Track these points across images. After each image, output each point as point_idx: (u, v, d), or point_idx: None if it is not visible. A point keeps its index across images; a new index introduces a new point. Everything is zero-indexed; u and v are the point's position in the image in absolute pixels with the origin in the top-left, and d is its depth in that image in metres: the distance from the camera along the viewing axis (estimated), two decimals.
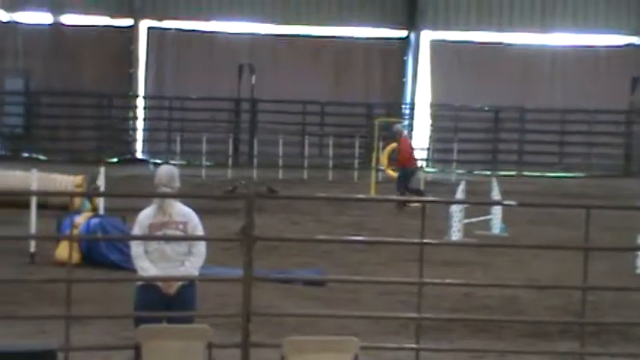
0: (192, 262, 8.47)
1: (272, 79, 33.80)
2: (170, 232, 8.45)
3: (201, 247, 8.52)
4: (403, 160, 23.23)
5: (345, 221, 20.19)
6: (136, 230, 8.57)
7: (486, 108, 34.60)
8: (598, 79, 34.55)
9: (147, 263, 8.41)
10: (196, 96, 33.27)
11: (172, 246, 8.45)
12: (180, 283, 8.39)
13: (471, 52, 35.00)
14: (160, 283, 8.34)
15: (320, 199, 22.87)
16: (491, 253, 16.17)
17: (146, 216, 8.52)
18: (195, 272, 8.48)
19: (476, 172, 32.00)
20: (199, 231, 8.58)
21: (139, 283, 8.53)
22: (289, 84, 33.74)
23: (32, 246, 14.49)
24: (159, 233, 8.46)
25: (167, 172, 8.63)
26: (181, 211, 8.52)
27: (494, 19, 35.18)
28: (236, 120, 33.98)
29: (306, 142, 31.21)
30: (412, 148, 24.44)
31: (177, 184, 8.60)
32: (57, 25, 33.70)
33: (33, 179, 16.05)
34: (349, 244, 16.17)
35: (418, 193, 23.28)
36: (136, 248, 8.49)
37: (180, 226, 8.48)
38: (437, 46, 35.33)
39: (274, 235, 15.92)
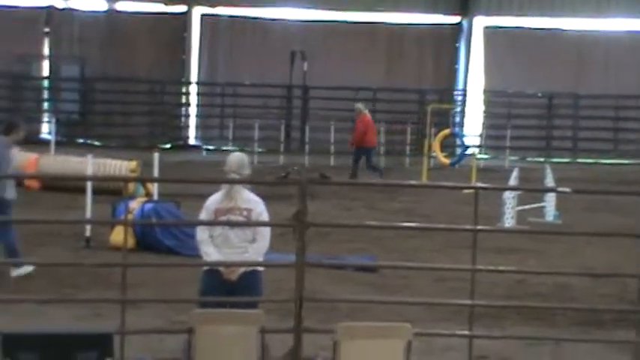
0: (255, 248, 8.60)
1: (324, 65, 33.78)
2: (234, 218, 8.58)
3: (265, 234, 8.63)
4: (359, 139, 24.60)
5: (396, 208, 20.17)
6: (203, 215, 8.75)
7: (540, 94, 34.28)
8: None
9: (211, 248, 8.55)
10: (249, 82, 33.40)
11: (236, 232, 8.58)
12: (242, 270, 8.48)
13: (524, 38, 34.65)
14: (221, 269, 8.43)
15: (372, 186, 22.86)
16: (545, 241, 16.05)
17: (213, 201, 8.68)
18: (258, 259, 8.54)
19: (529, 159, 31.77)
20: (264, 218, 8.68)
21: (204, 267, 8.65)
22: (341, 70, 33.70)
23: (88, 230, 14.68)
24: (223, 219, 8.58)
25: (237, 159, 8.80)
26: (247, 197, 8.64)
27: (548, 4, 34.77)
28: (288, 106, 34.06)
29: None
30: (371, 127, 25.27)
31: (246, 171, 8.74)
32: (112, 12, 34.03)
33: (88, 165, 16.27)
34: (401, 231, 16.14)
35: (375, 169, 24.63)
36: (201, 233, 8.66)
37: (245, 213, 8.61)
38: (490, 32, 35.04)
39: (326, 221, 15.95)
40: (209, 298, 8.37)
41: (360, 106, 25.82)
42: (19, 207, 17.90)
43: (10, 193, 12.54)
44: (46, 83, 34.67)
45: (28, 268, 12.51)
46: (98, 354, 6.67)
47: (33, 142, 29.78)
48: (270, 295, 11.68)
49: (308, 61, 32.66)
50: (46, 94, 34.75)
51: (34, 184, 20.43)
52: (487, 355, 9.62)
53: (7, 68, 32.91)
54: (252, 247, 8.59)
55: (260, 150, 29.58)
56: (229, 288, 8.45)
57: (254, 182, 24.46)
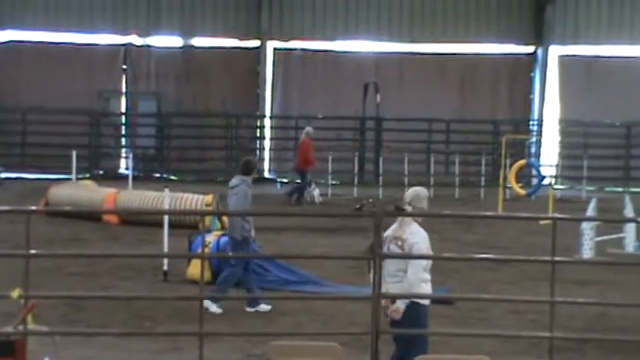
0: (408, 279, 8.80)
1: (397, 97, 33.79)
2: (392, 246, 8.93)
3: (413, 264, 8.82)
4: (302, 162, 26.20)
5: (472, 239, 20.00)
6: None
7: (617, 123, 33.77)
8: None
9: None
10: (322, 115, 33.54)
11: (392, 262, 8.91)
12: (403, 307, 8.74)
13: (600, 67, 34.22)
14: (385, 305, 8.67)
15: (447, 217, 22.70)
16: (625, 272, 15.73)
17: (390, 229, 9.08)
18: (412, 289, 8.73)
19: (607, 189, 31.26)
20: (415, 250, 8.88)
21: None
22: (414, 102, 33.66)
23: (165, 264, 14.84)
24: (384, 247, 8.82)
25: (413, 191, 9.26)
26: (410, 229, 8.96)
27: (625, 32, 34.31)
28: (361, 138, 34.09)
29: (432, 159, 31.07)
30: (307, 151, 26.45)
31: (420, 204, 9.13)
32: (187, 48, 34.57)
33: (165, 199, 16.49)
34: (476, 263, 16.01)
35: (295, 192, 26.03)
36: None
37: (399, 243, 8.94)
38: (565, 61, 34.69)
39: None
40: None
41: (309, 129, 27.38)
42: (98, 242, 18.29)
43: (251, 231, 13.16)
44: (123, 119, 35.30)
45: (266, 307, 12.90)
46: None
47: (111, 177, 30.44)
48: (347, 327, 11.68)
49: (381, 92, 32.71)
50: (123, 130, 35.38)
51: (113, 219, 20.75)
52: None
53: (88, 105, 33.62)
54: (405, 278, 8.80)
55: (334, 182, 29.63)
56: (395, 323, 8.74)
57: (328, 215, 24.66)
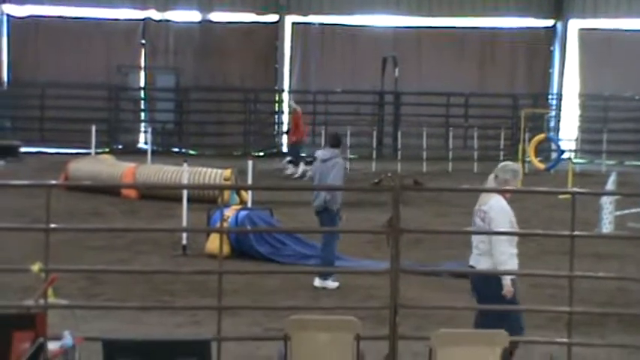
0: (493, 254, 8.72)
1: (415, 71, 33.70)
2: (476, 219, 8.93)
3: (495, 240, 8.71)
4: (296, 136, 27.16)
5: None
6: None
7: (637, 97, 33.55)
8: None
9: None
10: (340, 90, 33.48)
11: (475, 236, 8.96)
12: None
13: (620, 40, 33.96)
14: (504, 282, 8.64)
15: (466, 191, 22.61)
16: None
17: (477, 202, 9.06)
18: (498, 266, 8.68)
19: (627, 163, 31.11)
20: (493, 224, 8.77)
21: None
22: (433, 76, 33.57)
23: (184, 238, 14.90)
24: (472, 220, 9.00)
25: (503, 164, 9.18)
26: (490, 201, 8.86)
27: None
28: (380, 113, 34.02)
29: (450, 134, 31.00)
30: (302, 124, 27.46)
31: (505, 176, 8.95)
32: (205, 23, 34.53)
33: (184, 173, 16.52)
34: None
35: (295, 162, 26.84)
36: None
37: (481, 215, 8.88)
38: (585, 35, 34.46)
39: (420, 228, 15.88)
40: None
41: (292, 103, 28.41)
42: (118, 216, 18.36)
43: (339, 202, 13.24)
44: (142, 94, 35.35)
45: (333, 284, 12.91)
46: None
47: (130, 151, 30.53)
48: (365, 301, 11.70)
49: (399, 67, 32.61)
50: (142, 105, 35.44)
51: (131, 193, 20.83)
52: None
53: (106, 79, 33.71)
54: (490, 253, 8.74)
55: (352, 157, 29.62)
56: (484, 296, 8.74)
57: (346, 189, 24.57)
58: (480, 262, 8.84)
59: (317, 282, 12.92)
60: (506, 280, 8.62)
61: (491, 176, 8.97)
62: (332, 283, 12.92)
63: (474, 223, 8.93)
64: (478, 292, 8.85)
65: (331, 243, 13.18)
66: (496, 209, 8.75)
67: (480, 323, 8.66)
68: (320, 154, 13.60)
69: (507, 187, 8.95)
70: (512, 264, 8.69)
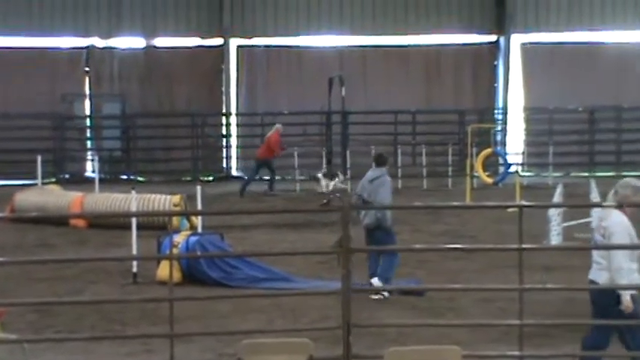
0: (612, 269, 8.70)
1: (362, 90, 33.87)
2: (597, 235, 8.95)
3: (612, 257, 8.70)
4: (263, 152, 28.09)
5: (441, 229, 20.08)
6: None
7: (581, 109, 34.02)
8: None
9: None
10: (287, 111, 33.53)
11: (595, 251, 8.99)
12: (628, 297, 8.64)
13: (562, 53, 34.47)
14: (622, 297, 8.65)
15: (415, 208, 22.78)
16: None
17: (597, 218, 9.12)
18: (615, 280, 8.65)
19: (573, 175, 31.50)
20: (613, 239, 8.76)
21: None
22: (379, 94, 33.77)
23: (134, 266, 14.78)
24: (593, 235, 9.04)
25: (623, 181, 9.09)
26: (610, 217, 8.81)
27: (586, 18, 34.58)
28: (328, 133, 34.10)
29: (399, 151, 31.14)
30: (277, 141, 28.20)
31: (625, 192, 8.90)
32: (150, 49, 34.42)
33: (132, 200, 16.42)
34: (446, 253, 16.08)
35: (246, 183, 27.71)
36: None
37: (602, 231, 8.87)
38: (528, 49, 34.90)
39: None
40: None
41: (278, 125, 29.04)
42: (66, 246, 18.17)
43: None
44: (88, 122, 35.09)
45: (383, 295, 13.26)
46: None
47: (78, 180, 30.24)
48: (317, 322, 11.69)
49: (346, 86, 32.73)
50: (88, 133, 35.17)
51: (80, 222, 20.62)
52: None
53: (51, 108, 33.37)
54: (609, 267, 8.74)
55: (302, 177, 29.63)
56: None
57: (296, 211, 24.51)
58: (600, 276, 8.89)
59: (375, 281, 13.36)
60: (626, 296, 8.63)
61: (612, 192, 9.02)
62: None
63: (594, 240, 8.99)
64: (595, 306, 8.93)
65: (393, 260, 13.65)
66: (615, 224, 8.77)
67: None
68: (369, 174, 13.95)
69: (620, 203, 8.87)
70: (631, 278, 8.66)
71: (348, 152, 31.40)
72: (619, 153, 34.17)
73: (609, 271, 8.75)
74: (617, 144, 34.27)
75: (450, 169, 30.63)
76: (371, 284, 13.33)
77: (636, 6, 34.50)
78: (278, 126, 28.88)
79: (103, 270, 15.29)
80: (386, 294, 13.29)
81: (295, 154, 29.95)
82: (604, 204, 9.02)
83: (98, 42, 34.19)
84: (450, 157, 30.85)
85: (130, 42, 34.48)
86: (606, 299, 8.77)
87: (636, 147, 33.59)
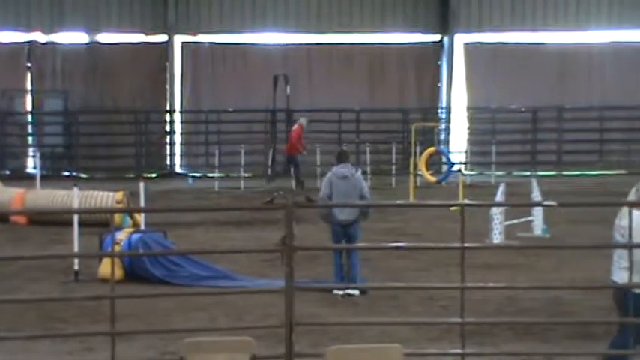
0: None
1: (307, 88, 33.91)
2: (616, 235, 8.76)
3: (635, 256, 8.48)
4: (288, 148, 28.46)
5: (384, 228, 20.15)
6: None
7: (523, 109, 34.41)
8: (636, 75, 34.25)
9: None
10: (232, 109, 33.43)
11: (616, 251, 8.80)
12: None
13: (505, 53, 34.83)
14: None
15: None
16: (534, 255, 16.06)
17: (618, 218, 8.84)
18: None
19: (515, 174, 31.83)
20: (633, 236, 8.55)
21: None
22: (324, 93, 33.83)
23: (76, 264, 14.62)
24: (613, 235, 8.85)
25: None
26: (633, 217, 8.45)
27: (528, 19, 34.98)
28: (272, 131, 34.07)
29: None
30: (298, 137, 28.48)
31: None
32: (93, 45, 34.08)
33: (74, 198, 16.23)
34: (389, 251, 16.15)
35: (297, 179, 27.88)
36: None
37: (621, 230, 8.63)
38: (471, 49, 35.20)
39: (314, 245, 15.95)
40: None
41: (301, 119, 29.25)
42: (6, 243, 17.92)
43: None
44: (29, 118, 34.65)
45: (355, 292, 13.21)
46: None
47: (19, 177, 29.84)
48: (260, 320, 11.67)
49: (291, 84, 32.74)
50: (30, 129, 34.73)
51: (21, 219, 20.36)
52: None
53: None
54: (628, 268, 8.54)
55: (246, 175, 29.57)
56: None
57: (240, 209, 24.38)
58: (619, 275, 8.78)
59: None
60: None
61: (633, 190, 8.88)
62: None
63: (614, 239, 8.90)
64: (618, 305, 8.89)
65: (358, 255, 13.72)
66: (636, 222, 8.57)
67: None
68: (340, 172, 13.84)
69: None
70: None
71: None
72: (560, 153, 34.62)
73: (627, 271, 8.60)
74: (559, 144, 34.72)
75: (393, 167, 30.76)
76: (350, 295, 13.27)
77: (577, 7, 34.97)
78: (301, 120, 29.06)
79: (44, 267, 15.11)
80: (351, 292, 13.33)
81: (242, 151, 29.85)
82: (625, 202, 8.88)
83: (40, 37, 33.79)
84: (394, 156, 30.98)
85: (72, 37, 34.13)
86: (627, 299, 8.69)
87: (577, 147, 34.06)
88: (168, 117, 34.86)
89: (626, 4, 34.89)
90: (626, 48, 34.86)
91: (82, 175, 32.15)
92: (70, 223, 15.40)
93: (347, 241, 13.64)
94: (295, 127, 28.86)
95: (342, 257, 13.63)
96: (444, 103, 35.31)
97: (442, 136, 34.56)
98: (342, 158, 14.12)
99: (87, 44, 34.11)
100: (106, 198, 20.16)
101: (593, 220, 19.91)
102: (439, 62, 35.34)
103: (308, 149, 30.80)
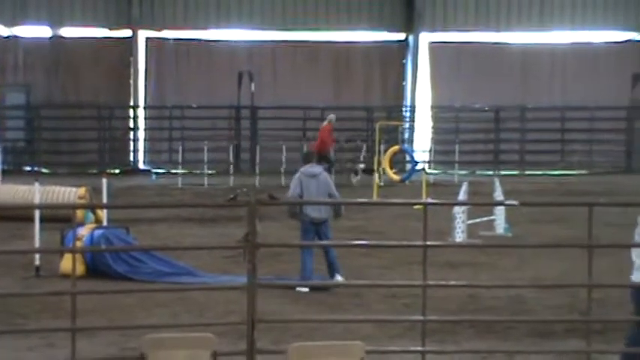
0: None
1: (271, 85, 33.88)
2: (636, 236, 8.74)
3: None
4: (318, 145, 27.99)
5: (347, 225, 20.17)
6: None
7: (486, 108, 34.61)
8: (598, 76, 34.59)
9: None
10: (196, 105, 33.33)
11: (634, 251, 8.81)
12: None
13: (469, 53, 35.03)
14: None
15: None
16: (496, 254, 16.17)
17: None
18: None
19: (478, 173, 32.02)
20: (637, 235, 8.68)
21: None
22: (289, 90, 33.81)
23: (37, 259, 14.52)
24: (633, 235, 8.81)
25: None
26: None
27: (492, 19, 35.21)
28: (237, 127, 34.01)
29: (307, 147, 31.20)
30: (329, 133, 28.70)
31: None
32: (56, 38, 33.80)
33: (36, 192, 16.10)
34: (352, 249, 16.18)
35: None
36: None
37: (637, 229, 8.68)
38: (435, 48, 35.35)
39: (277, 242, 15.94)
40: None
41: (331, 116, 29.25)
42: None
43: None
44: None
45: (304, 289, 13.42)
46: None
47: None
48: (222, 317, 11.65)
49: (255, 81, 32.69)
50: None
51: None
52: None
53: None
54: None
55: (210, 172, 29.48)
56: None
57: (203, 205, 24.31)
58: (637, 275, 8.85)
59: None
60: None
61: None
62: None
63: (633, 239, 8.90)
64: (636, 304, 8.90)
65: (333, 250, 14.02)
66: None
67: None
68: (309, 171, 14.02)
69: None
70: None
71: (257, 147, 31.35)
72: (523, 152, 34.87)
73: None
74: (521, 143, 34.97)
75: (360, 165, 30.80)
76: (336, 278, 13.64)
77: (541, 8, 35.24)
78: (331, 116, 29.16)
79: (5, 263, 14.98)
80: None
81: (205, 148, 29.75)
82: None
83: (2, 30, 33.45)
84: (361, 154, 31.02)
85: (35, 31, 33.81)
86: None
87: (539, 147, 34.32)
88: (131, 112, 34.69)
89: (589, 5, 35.24)
90: (588, 49, 35.21)
91: (44, 170, 31.90)
92: (32, 219, 15.28)
93: (318, 240, 13.78)
94: (325, 123, 28.90)
95: (311, 255, 13.71)
96: (408, 102, 35.43)
97: (406, 135, 34.68)
98: (308, 158, 14.41)
99: (50, 38, 33.83)
100: (68, 193, 20.02)
101: (555, 220, 20.11)
102: (404, 61, 35.46)
103: (273, 146, 30.86)
